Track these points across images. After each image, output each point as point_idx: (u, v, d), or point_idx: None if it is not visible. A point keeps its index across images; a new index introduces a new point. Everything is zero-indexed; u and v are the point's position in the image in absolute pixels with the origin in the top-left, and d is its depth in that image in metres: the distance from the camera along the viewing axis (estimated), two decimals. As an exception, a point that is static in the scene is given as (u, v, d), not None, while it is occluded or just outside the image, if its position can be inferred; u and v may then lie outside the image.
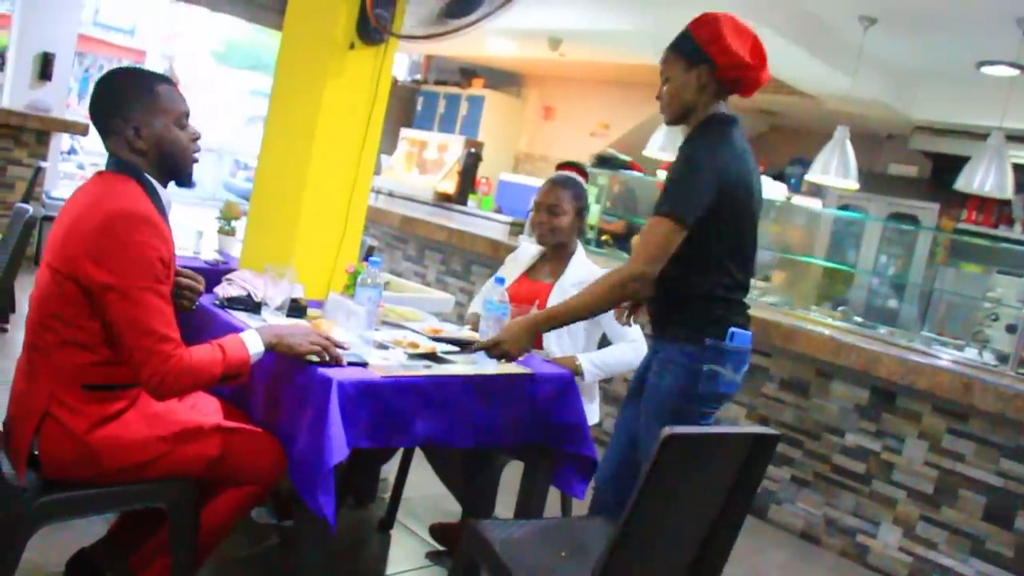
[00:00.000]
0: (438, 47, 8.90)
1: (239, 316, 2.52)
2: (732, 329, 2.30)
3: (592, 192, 5.55)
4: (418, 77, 10.27)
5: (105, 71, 2.17)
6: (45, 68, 6.74)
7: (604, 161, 6.01)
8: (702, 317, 2.31)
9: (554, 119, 9.03)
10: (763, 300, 4.67)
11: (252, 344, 2.03)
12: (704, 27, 2.24)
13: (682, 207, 2.17)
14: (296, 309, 2.62)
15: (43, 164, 5.65)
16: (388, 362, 2.30)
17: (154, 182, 2.01)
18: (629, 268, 2.25)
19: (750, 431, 1.72)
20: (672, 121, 2.38)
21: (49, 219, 6.85)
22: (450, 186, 7.35)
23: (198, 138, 2.10)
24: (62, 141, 7.31)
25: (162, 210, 2.00)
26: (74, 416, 1.87)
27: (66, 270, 1.86)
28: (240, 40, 21.35)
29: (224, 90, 20.62)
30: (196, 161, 2.11)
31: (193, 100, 2.17)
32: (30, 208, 2.88)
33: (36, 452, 1.89)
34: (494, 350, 2.34)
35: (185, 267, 2.31)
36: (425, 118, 9.68)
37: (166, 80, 2.05)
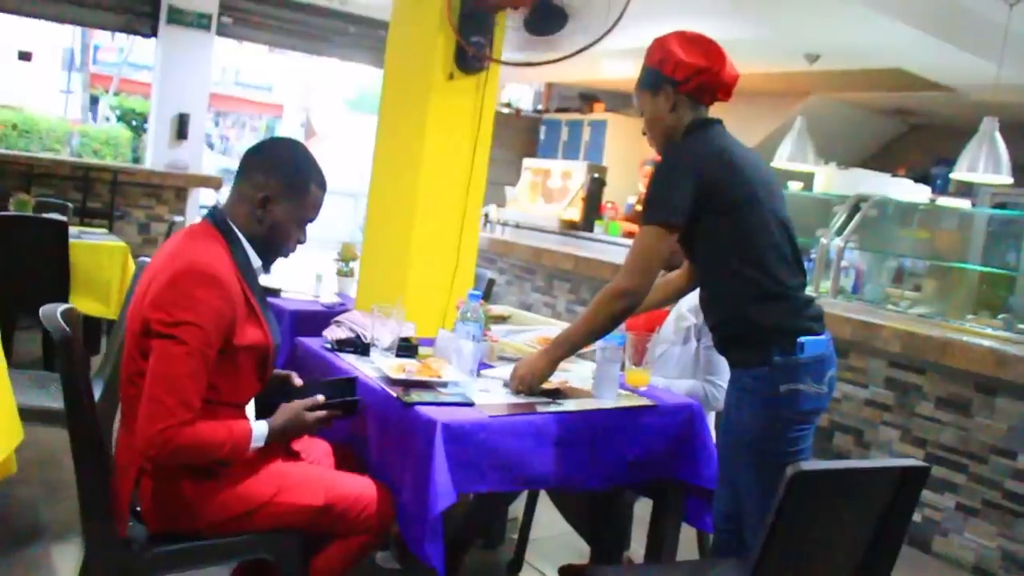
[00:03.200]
0: (555, 74, 8.87)
1: (348, 359, 2.48)
2: (800, 339, 2.09)
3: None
4: (540, 107, 10.26)
5: (291, 138, 2.24)
6: (181, 128, 7.11)
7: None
8: (759, 332, 2.11)
9: (678, 138, 8.70)
10: (912, 312, 4.32)
11: (257, 436, 1.93)
12: (654, 52, 2.22)
13: (662, 210, 2.10)
14: (406, 348, 2.56)
15: (177, 219, 5.91)
16: (496, 400, 2.20)
17: (246, 245, 2.00)
18: (616, 284, 2.16)
19: (892, 464, 1.51)
20: (660, 149, 2.29)
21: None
22: (575, 213, 7.24)
23: (302, 243, 2.11)
24: (202, 196, 7.66)
25: (246, 273, 1.98)
26: (168, 470, 1.86)
27: (139, 326, 1.86)
28: (372, 86, 22.14)
29: (357, 136, 21.39)
30: (286, 257, 2.12)
31: (328, 148, 2.18)
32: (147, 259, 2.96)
33: (138, 507, 1.89)
34: (514, 383, 2.28)
35: (302, 310, 2.31)
36: (548, 147, 9.65)
37: (324, 186, 2.08)
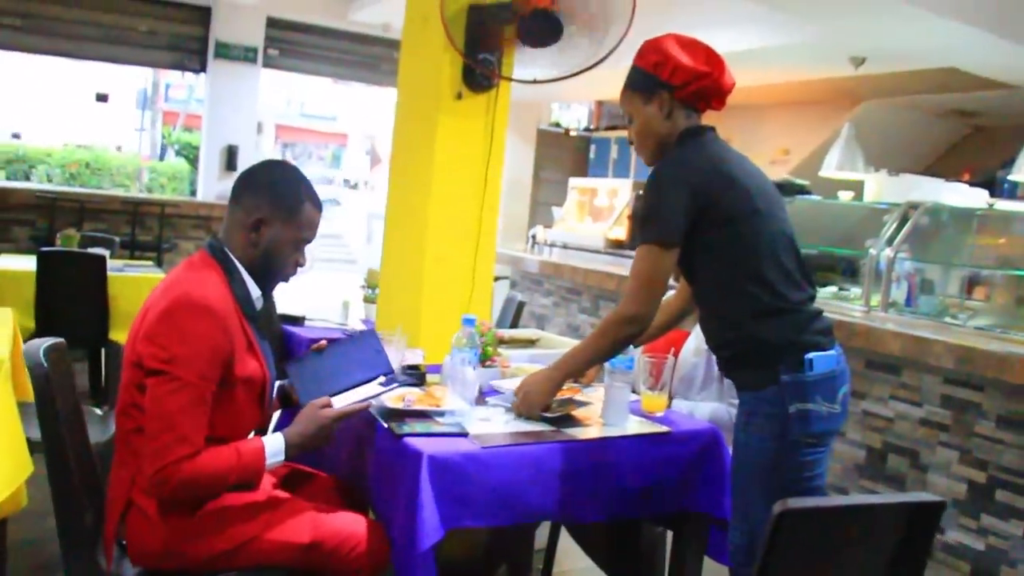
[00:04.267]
0: (605, 92, 8.75)
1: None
2: (808, 356, 1.94)
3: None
4: (590, 126, 10.17)
5: (281, 159, 2.22)
6: (231, 159, 7.23)
7: (779, 189, 5.55)
8: (763, 350, 1.98)
9: (732, 150, 8.51)
10: (971, 325, 4.06)
11: (272, 452, 1.89)
12: (649, 54, 2.09)
13: (659, 228, 1.99)
14: (413, 375, 2.48)
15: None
16: (495, 430, 2.09)
17: (244, 275, 1.96)
18: (620, 309, 2.06)
19: (897, 501, 1.35)
20: (652, 160, 2.17)
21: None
22: (621, 232, 7.09)
23: (301, 266, 2.06)
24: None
25: (245, 303, 1.94)
26: (154, 503, 1.82)
27: (134, 356, 1.84)
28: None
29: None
30: (286, 282, 2.08)
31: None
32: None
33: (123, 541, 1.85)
34: (515, 407, 2.20)
35: (321, 338, 2.28)
36: (599, 166, 9.55)
37: (319, 205, 2.04)
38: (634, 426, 2.26)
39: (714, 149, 2.06)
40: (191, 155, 13.32)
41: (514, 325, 4.10)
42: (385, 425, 2.07)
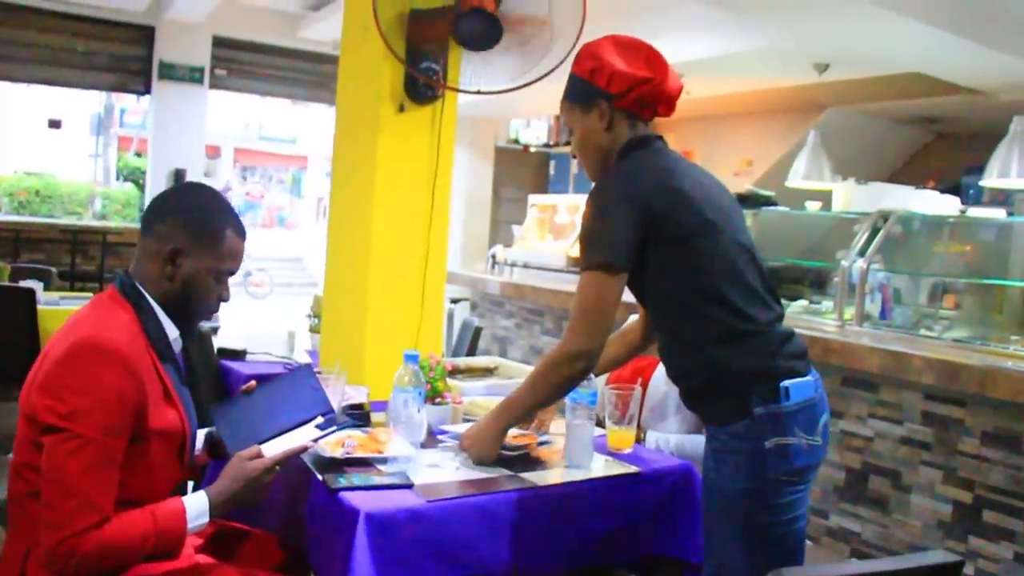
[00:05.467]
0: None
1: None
2: (784, 384, 1.74)
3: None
4: (549, 141, 10.00)
5: (199, 182, 1.97)
6: (178, 183, 6.94)
7: (744, 200, 5.40)
8: (731, 380, 1.77)
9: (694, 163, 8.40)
10: (947, 336, 3.91)
11: (195, 515, 1.66)
12: (584, 61, 1.91)
13: (604, 251, 1.79)
14: (356, 415, 2.24)
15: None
16: (442, 478, 1.87)
17: (159, 312, 1.73)
18: (563, 346, 1.84)
19: (911, 565, 1.14)
20: (596, 175, 1.97)
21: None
22: (584, 249, 6.91)
23: (225, 301, 1.84)
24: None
25: (160, 345, 1.72)
26: None
27: (28, 409, 1.60)
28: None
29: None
30: (207, 319, 1.87)
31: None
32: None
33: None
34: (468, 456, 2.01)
35: (258, 375, 2.06)
36: (559, 182, 9.39)
37: (242, 233, 1.82)
38: (600, 467, 2.05)
39: (660, 160, 1.86)
40: (139, 180, 12.97)
41: (471, 352, 3.88)
42: (320, 477, 1.84)
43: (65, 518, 1.50)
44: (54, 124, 19.67)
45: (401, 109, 2.62)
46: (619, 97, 1.87)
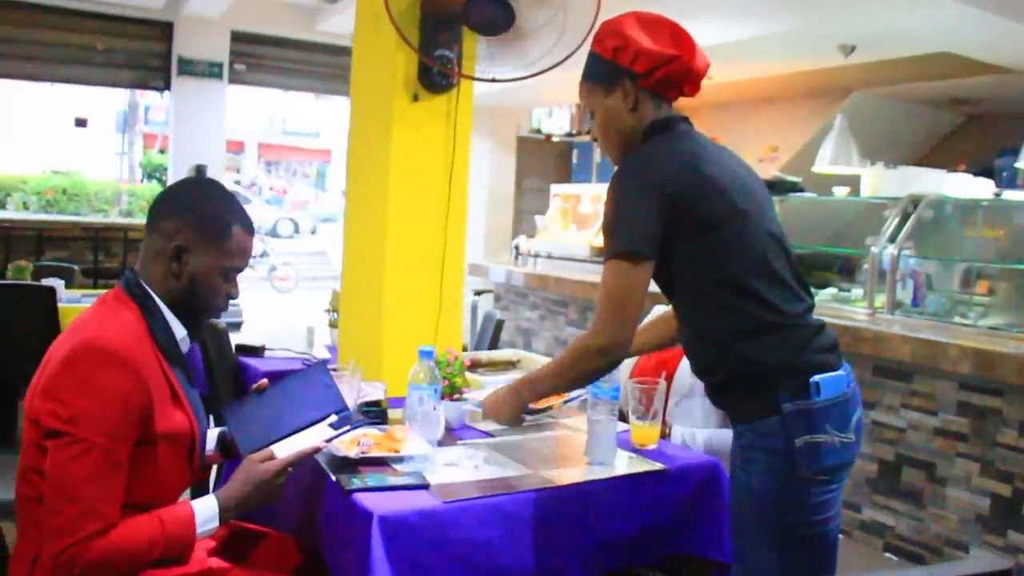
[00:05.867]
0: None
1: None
2: (814, 379, 1.65)
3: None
4: (572, 131, 9.90)
5: (206, 177, 1.91)
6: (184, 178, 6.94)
7: (770, 187, 5.29)
8: (759, 374, 1.69)
9: (718, 150, 8.26)
10: (982, 324, 3.80)
11: (204, 519, 1.61)
12: (607, 39, 1.82)
13: (628, 239, 1.69)
14: (373, 413, 2.19)
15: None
16: (460, 477, 1.81)
17: (166, 312, 1.68)
18: (593, 337, 1.73)
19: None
20: (619, 159, 1.87)
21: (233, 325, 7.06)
22: (607, 238, 6.83)
23: (233, 298, 1.79)
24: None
25: (167, 345, 1.67)
26: None
27: (32, 413, 1.56)
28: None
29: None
30: (216, 317, 1.85)
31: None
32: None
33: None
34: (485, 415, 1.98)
35: (276, 372, 2.02)
36: (582, 171, 9.29)
37: (250, 229, 1.77)
38: (623, 464, 1.99)
39: (687, 143, 1.78)
40: (162, 176, 13.02)
41: (493, 345, 3.81)
42: (334, 478, 1.79)
43: (68, 525, 1.46)
44: (80, 123, 19.85)
45: (415, 98, 2.56)
46: (644, 76, 1.78)
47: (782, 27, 5.08)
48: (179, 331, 1.70)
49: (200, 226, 1.68)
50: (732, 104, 8.11)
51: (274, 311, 9.91)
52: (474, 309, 6.77)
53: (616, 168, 1.81)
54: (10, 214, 7.45)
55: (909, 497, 3.51)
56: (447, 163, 2.64)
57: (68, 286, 4.59)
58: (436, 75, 2.55)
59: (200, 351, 3.22)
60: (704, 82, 1.89)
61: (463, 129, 2.67)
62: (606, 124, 1.85)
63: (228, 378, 3.08)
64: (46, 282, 4.31)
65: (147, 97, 20.26)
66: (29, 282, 4.35)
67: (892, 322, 3.76)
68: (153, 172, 14.39)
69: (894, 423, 3.57)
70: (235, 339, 3.37)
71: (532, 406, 1.99)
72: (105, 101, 20.47)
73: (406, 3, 2.49)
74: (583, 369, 1.78)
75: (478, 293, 7.38)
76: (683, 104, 1.96)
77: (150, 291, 1.67)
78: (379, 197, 2.59)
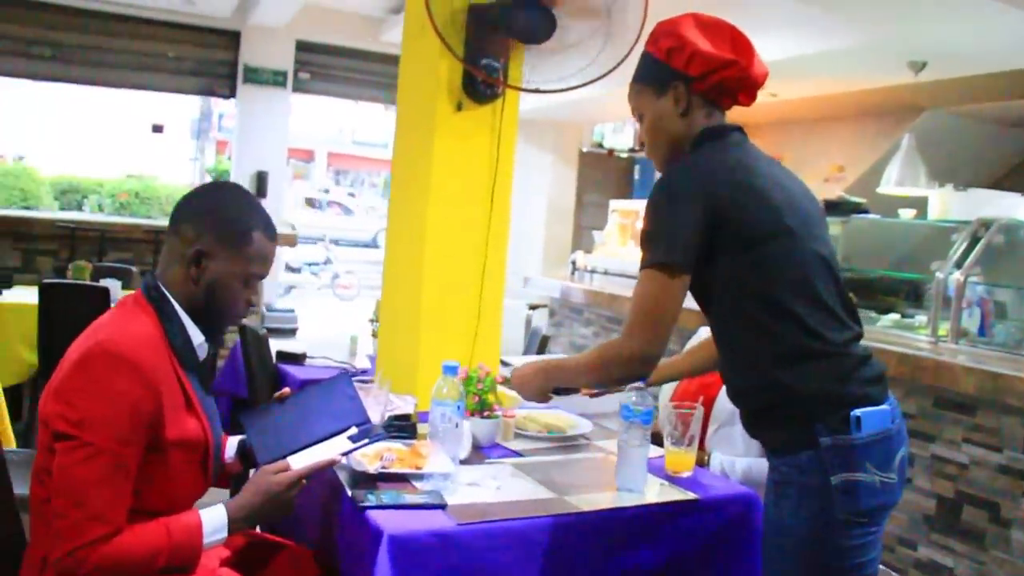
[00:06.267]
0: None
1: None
2: (855, 412, 1.54)
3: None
4: (635, 146, 9.80)
5: (229, 181, 1.90)
6: (260, 186, 7.03)
7: (833, 207, 5.14)
8: (796, 404, 1.59)
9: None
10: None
11: (212, 529, 1.58)
12: (662, 39, 1.74)
13: (665, 248, 1.61)
14: (401, 428, 2.14)
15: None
16: (480, 498, 1.75)
17: (184, 317, 1.66)
18: (622, 347, 1.65)
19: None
20: (665, 166, 1.80)
21: (272, 331, 7.13)
22: (666, 256, 6.70)
23: (254, 305, 1.78)
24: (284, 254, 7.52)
25: (183, 352, 1.65)
26: None
27: (43, 414, 1.55)
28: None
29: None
30: (236, 324, 1.84)
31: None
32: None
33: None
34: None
35: (313, 380, 1.99)
36: (644, 187, 9.17)
37: (272, 235, 1.74)
38: (654, 492, 1.90)
39: (738, 154, 1.69)
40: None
41: (537, 361, 3.74)
42: (349, 493, 1.74)
43: (73, 528, 1.44)
44: (157, 129, 20.41)
45: (459, 108, 2.52)
46: (699, 80, 1.70)
47: (848, 42, 4.92)
48: (197, 337, 1.68)
49: (219, 230, 1.65)
50: (797, 121, 7.91)
51: (332, 319, 9.99)
52: (527, 323, 6.71)
53: (660, 175, 1.74)
54: (76, 215, 7.63)
55: (970, 537, 3.33)
56: (491, 175, 2.59)
57: (125, 287, 4.66)
58: (481, 84, 2.50)
59: (242, 356, 3.23)
60: (768, 99, 1.82)
61: (508, 141, 2.61)
62: (654, 128, 1.78)
63: (267, 384, 3.08)
64: (104, 282, 4.38)
65: (220, 105, 20.78)
66: (87, 282, 4.42)
67: (956, 351, 3.59)
68: (218, 178, 14.74)
69: (955, 458, 3.39)
70: (284, 345, 3.38)
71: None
72: (181, 108, 21.01)
73: (451, 11, 2.45)
74: (609, 376, 1.72)
75: (532, 307, 7.31)
76: (748, 121, 1.87)
77: (169, 296, 1.65)
78: (419, 207, 2.56)
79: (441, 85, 2.50)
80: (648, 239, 1.65)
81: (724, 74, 1.69)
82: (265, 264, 1.73)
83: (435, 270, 2.54)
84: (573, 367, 1.82)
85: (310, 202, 24.39)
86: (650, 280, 1.62)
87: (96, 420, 1.47)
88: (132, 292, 1.72)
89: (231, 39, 7.12)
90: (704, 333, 2.25)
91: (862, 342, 1.68)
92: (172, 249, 1.68)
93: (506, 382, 2.00)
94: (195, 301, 1.67)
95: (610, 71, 2.31)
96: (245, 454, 1.91)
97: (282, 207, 7.53)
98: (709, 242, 1.59)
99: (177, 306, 1.66)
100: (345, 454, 1.75)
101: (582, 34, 2.15)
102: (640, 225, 5.72)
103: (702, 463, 2.27)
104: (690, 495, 1.89)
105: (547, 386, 1.86)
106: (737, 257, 1.60)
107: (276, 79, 7.12)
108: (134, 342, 1.55)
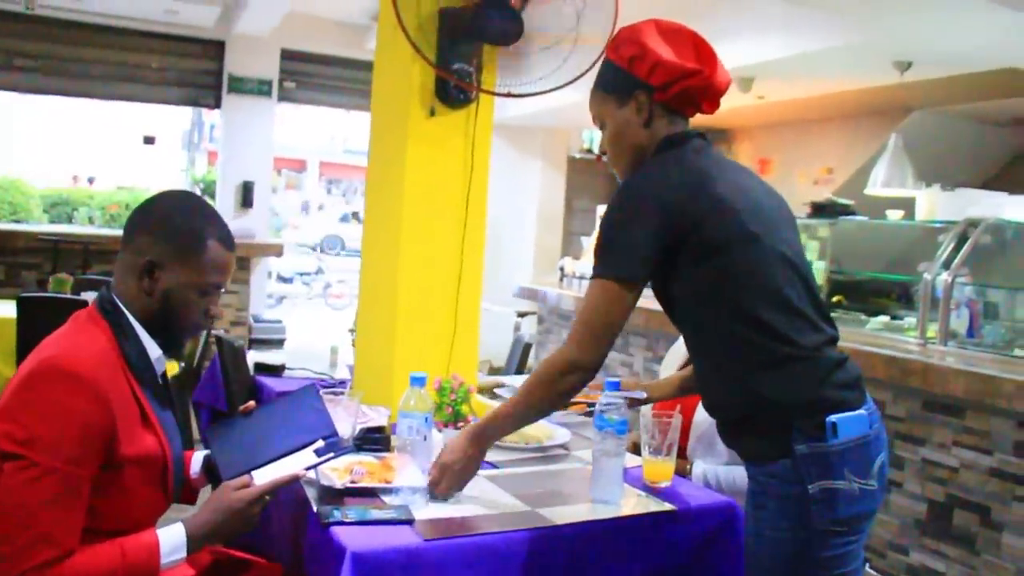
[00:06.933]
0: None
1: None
2: (831, 418, 1.50)
3: (813, 248, 4.67)
4: (598, 152, 9.76)
5: (183, 189, 1.84)
6: (246, 196, 6.99)
7: (820, 209, 5.10)
8: (770, 411, 1.55)
9: (771, 172, 8.03)
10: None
11: (170, 549, 1.53)
12: (623, 46, 1.71)
13: (619, 262, 1.60)
14: (374, 441, 2.09)
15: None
16: (450, 513, 1.70)
17: (139, 330, 1.61)
18: (562, 355, 1.64)
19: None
20: (627, 175, 1.76)
21: (259, 342, 7.07)
22: (652, 261, 6.66)
23: (215, 318, 1.71)
24: (271, 264, 7.47)
25: (139, 366, 1.60)
26: None
27: None
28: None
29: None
30: (194, 336, 1.77)
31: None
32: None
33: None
34: (437, 488, 1.78)
35: (286, 392, 1.95)
36: (634, 191, 9.12)
37: (229, 243, 1.68)
38: (630, 503, 1.85)
39: (698, 161, 1.65)
40: (213, 192, 13.27)
41: (520, 370, 3.70)
42: (314, 509, 1.69)
43: (21, 552, 1.39)
44: (149, 140, 20.31)
45: (432, 113, 2.47)
46: (661, 89, 1.67)
47: (832, 42, 4.87)
48: (154, 351, 1.63)
49: (172, 240, 1.60)
50: (785, 124, 7.88)
51: (322, 329, 9.94)
52: (516, 330, 6.66)
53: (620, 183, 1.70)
54: (59, 228, 7.57)
55: (961, 542, 3.28)
56: (466, 180, 2.55)
57: (106, 300, 4.61)
58: (453, 89, 2.46)
59: (220, 369, 3.18)
60: (756, 101, 1.79)
61: (482, 146, 2.57)
62: (616, 137, 1.75)
63: (244, 397, 3.02)
64: (85, 295, 4.33)
65: (211, 115, 20.73)
66: (67, 295, 4.37)
67: (945, 353, 3.55)
68: (205, 189, 14.70)
69: (945, 462, 3.35)
70: (269, 357, 3.33)
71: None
72: (173, 119, 20.97)
73: (423, 16, 2.41)
74: (550, 392, 1.67)
75: (521, 315, 7.27)
76: (735, 123, 1.83)
77: (123, 309, 1.60)
78: (394, 213, 2.51)
79: (413, 90, 2.46)
80: (601, 250, 1.62)
81: (687, 83, 1.66)
82: (223, 273, 1.68)
83: (410, 278, 2.49)
84: (508, 409, 1.74)
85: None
86: (599, 291, 1.60)
87: (44, 439, 1.41)
88: (81, 310, 1.67)
89: (215, 49, 7.08)
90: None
91: (839, 344, 1.64)
92: (125, 261, 1.63)
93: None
94: (150, 313, 1.62)
95: (583, 74, 2.27)
96: (211, 469, 1.86)
97: (284, 214, 7.48)
98: (670, 253, 1.57)
99: (133, 319, 1.61)
100: (310, 468, 1.70)
101: (553, 37, 2.11)
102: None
103: (684, 473, 2.22)
104: (667, 506, 1.84)
105: (484, 449, 1.78)
106: (701, 266, 1.57)
107: (261, 88, 7.08)
108: (84, 357, 1.50)
